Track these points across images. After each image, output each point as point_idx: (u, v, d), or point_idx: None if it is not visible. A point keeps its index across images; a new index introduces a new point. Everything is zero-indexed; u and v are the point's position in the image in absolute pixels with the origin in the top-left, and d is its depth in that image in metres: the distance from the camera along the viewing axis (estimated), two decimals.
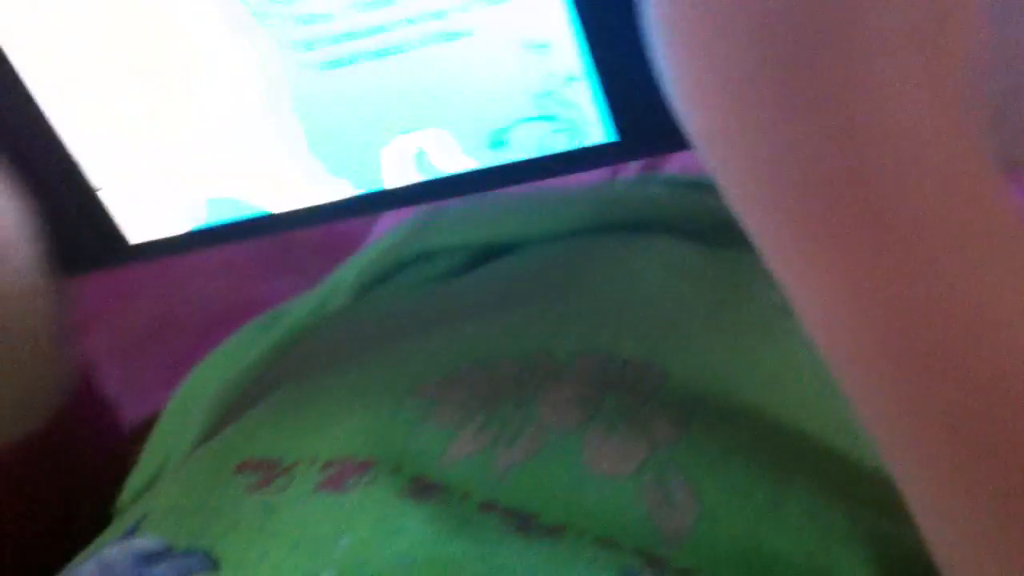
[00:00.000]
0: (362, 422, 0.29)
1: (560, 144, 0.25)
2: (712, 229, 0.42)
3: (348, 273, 0.47)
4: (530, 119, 0.25)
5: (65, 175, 0.27)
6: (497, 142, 0.25)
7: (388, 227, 0.53)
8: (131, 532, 0.28)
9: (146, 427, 0.41)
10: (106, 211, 0.28)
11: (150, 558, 0.27)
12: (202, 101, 0.25)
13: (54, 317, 0.30)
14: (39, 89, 0.26)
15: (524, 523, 0.25)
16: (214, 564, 0.26)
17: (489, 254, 0.45)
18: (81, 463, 0.34)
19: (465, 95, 0.24)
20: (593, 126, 0.25)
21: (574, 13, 0.23)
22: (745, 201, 0.22)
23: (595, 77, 0.24)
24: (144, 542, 0.27)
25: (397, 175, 0.26)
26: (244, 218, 0.28)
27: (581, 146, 0.25)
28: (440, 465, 0.27)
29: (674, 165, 0.52)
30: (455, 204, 0.48)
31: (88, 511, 0.35)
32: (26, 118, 0.26)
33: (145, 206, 0.28)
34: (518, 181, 0.26)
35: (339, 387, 0.32)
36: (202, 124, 0.26)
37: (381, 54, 0.24)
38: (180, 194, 0.27)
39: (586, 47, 0.23)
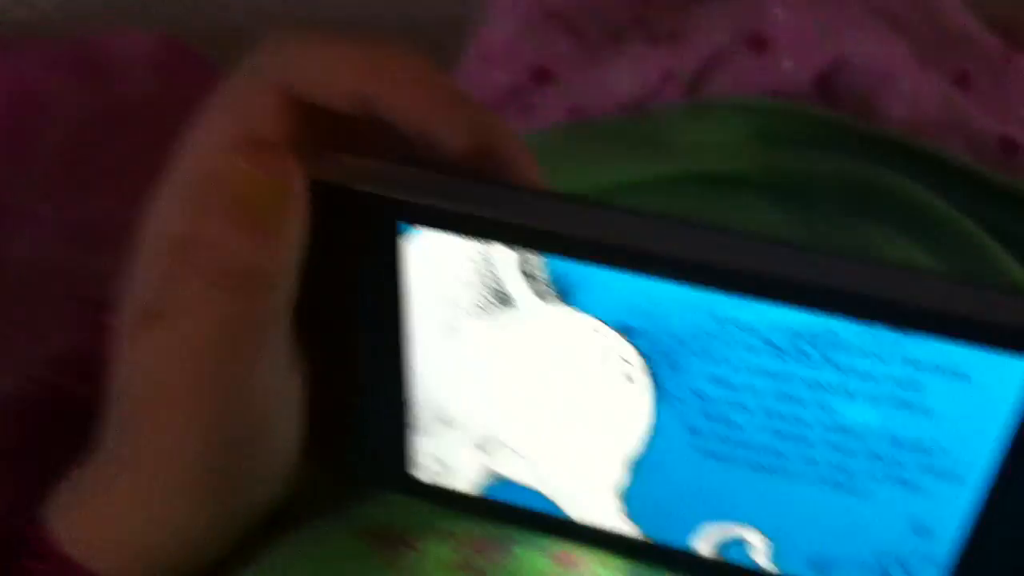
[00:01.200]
0: None
1: None
2: (788, 183, 0.40)
3: None
4: (868, 570, 0.25)
5: (391, 398, 0.26)
6: (818, 567, 0.25)
7: None
8: None
9: None
10: (406, 442, 0.27)
11: None
12: (555, 408, 0.25)
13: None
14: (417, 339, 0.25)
15: None
16: None
17: None
18: None
19: (817, 525, 0.24)
20: None
21: (974, 520, 0.23)
22: None
23: (952, 569, 0.24)
24: None
25: (699, 545, 0.26)
26: (524, 504, 0.27)
27: None
28: None
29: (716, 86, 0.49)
30: None
31: None
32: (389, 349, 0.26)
33: (442, 456, 0.27)
34: None
35: None
36: (541, 423, 0.26)
37: (765, 470, 0.24)
38: (477, 461, 0.27)
39: (963, 547, 0.24)
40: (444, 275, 0.23)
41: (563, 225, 0.22)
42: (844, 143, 0.43)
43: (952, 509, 0.23)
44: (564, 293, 0.23)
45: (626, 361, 0.23)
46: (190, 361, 0.23)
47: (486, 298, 0.23)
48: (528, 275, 0.23)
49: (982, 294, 0.20)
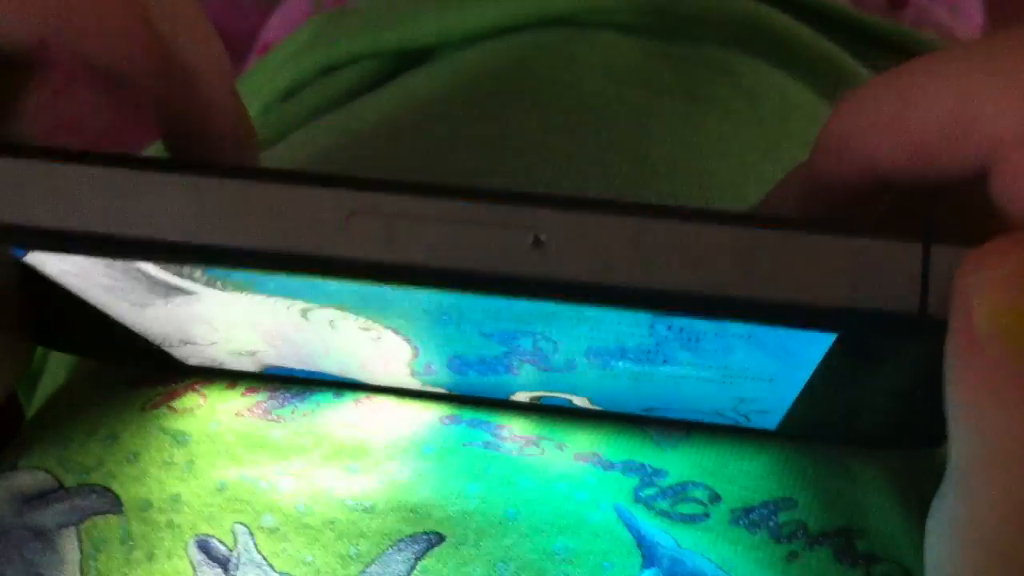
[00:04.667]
0: None
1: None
2: (658, 20, 0.37)
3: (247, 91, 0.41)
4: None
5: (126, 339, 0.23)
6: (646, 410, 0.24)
7: (282, 31, 0.47)
8: (12, 467, 0.25)
9: None
10: (168, 353, 0.25)
11: (34, 499, 0.24)
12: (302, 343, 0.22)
13: None
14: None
15: None
16: (115, 502, 0.23)
17: (403, 64, 0.39)
18: None
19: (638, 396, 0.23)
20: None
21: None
22: None
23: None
24: (26, 479, 0.24)
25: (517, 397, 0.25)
26: (318, 378, 0.25)
27: (737, 424, 0.24)
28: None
29: None
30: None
31: None
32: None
33: (211, 357, 0.25)
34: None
35: None
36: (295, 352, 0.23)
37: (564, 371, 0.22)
38: (248, 362, 0.25)
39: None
40: (93, 284, 0.20)
41: (185, 236, 0.17)
42: None
43: (767, 418, 0.23)
44: (237, 286, 0.19)
45: (363, 328, 0.21)
46: None
47: (155, 291, 0.20)
48: (181, 274, 0.19)
49: (767, 268, 0.17)
